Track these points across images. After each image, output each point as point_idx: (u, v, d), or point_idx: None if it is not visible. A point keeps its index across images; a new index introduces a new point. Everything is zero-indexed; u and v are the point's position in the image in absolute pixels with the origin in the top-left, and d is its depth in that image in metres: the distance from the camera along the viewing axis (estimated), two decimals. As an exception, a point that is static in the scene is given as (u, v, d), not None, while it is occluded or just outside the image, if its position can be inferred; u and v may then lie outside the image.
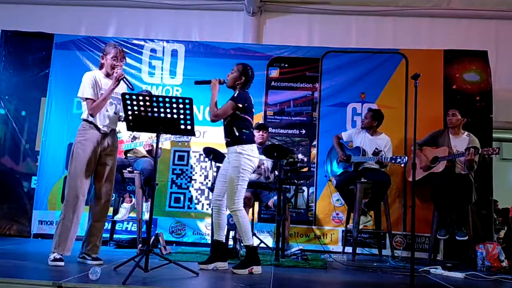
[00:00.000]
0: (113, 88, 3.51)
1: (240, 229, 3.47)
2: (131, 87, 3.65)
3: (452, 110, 4.73)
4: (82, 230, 3.64)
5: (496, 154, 4.29)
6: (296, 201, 5.29)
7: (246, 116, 3.56)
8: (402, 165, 4.57)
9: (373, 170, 4.73)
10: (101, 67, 3.66)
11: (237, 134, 3.50)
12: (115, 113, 3.62)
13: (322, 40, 5.99)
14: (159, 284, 2.84)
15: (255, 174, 4.65)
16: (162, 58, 5.61)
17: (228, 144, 3.57)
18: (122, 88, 3.64)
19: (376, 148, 4.71)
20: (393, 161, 4.55)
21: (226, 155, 3.69)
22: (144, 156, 4.64)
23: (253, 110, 3.68)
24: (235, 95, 3.56)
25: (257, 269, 3.38)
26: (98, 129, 3.50)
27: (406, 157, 4.52)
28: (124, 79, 3.55)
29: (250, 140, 3.55)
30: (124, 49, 5.42)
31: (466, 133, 4.68)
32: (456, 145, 4.59)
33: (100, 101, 3.47)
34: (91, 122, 3.50)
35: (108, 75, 3.61)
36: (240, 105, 3.50)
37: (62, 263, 3.28)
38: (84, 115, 3.53)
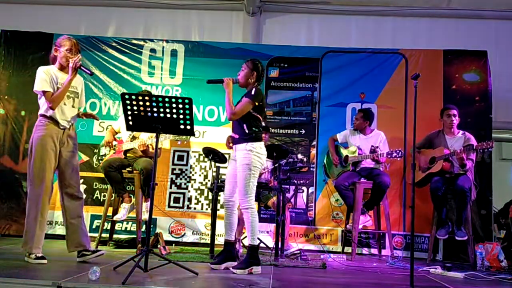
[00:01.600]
0: (71, 79, 3.47)
1: (248, 228, 3.45)
2: (89, 72, 3.61)
3: (452, 111, 4.68)
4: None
5: (491, 148, 4.27)
6: (296, 201, 5.29)
7: (258, 115, 3.54)
8: (399, 159, 4.57)
9: (371, 169, 4.74)
10: (53, 60, 3.59)
11: (247, 131, 3.49)
12: (73, 106, 3.58)
13: (321, 40, 5.99)
14: (159, 284, 2.83)
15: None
16: (162, 58, 5.61)
17: (236, 141, 3.56)
18: (80, 81, 3.63)
19: (372, 146, 4.72)
20: (389, 156, 4.56)
21: (231, 154, 3.68)
22: (143, 156, 4.63)
23: (265, 108, 3.66)
24: (252, 92, 3.53)
25: (256, 269, 3.38)
26: (57, 124, 3.46)
27: (402, 150, 4.51)
28: (81, 67, 3.50)
29: (259, 138, 3.52)
30: (124, 49, 5.57)
31: (461, 132, 4.68)
32: (452, 145, 4.59)
33: (60, 93, 3.44)
34: (50, 117, 3.45)
35: (62, 69, 3.56)
36: (257, 103, 3.49)
37: (45, 261, 3.27)
38: (42, 110, 3.48)
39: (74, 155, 3.59)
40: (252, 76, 3.59)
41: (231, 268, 3.42)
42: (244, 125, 3.50)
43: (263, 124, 3.64)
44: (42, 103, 3.49)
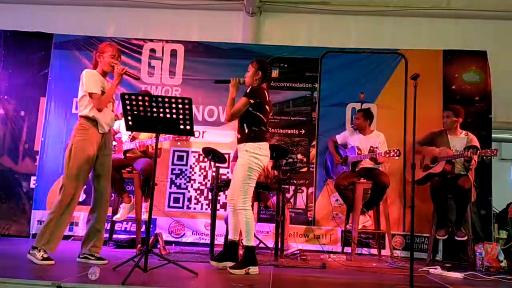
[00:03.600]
0: (117, 83, 3.54)
1: (243, 229, 3.42)
2: (136, 76, 3.71)
3: (446, 112, 4.73)
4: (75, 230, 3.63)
5: (494, 156, 4.29)
6: (295, 201, 5.29)
7: (257, 113, 3.48)
8: (397, 157, 4.57)
9: (371, 170, 4.74)
10: (95, 66, 3.62)
11: (246, 131, 3.46)
12: (112, 111, 3.62)
13: (321, 40, 5.98)
14: (159, 284, 2.84)
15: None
16: (162, 58, 5.61)
17: (238, 141, 3.55)
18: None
19: (371, 146, 4.73)
20: (387, 155, 4.56)
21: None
22: (143, 156, 4.63)
23: (268, 107, 3.56)
24: (248, 90, 3.51)
25: (253, 270, 3.37)
26: (97, 127, 3.47)
27: (399, 149, 4.51)
28: (127, 72, 3.57)
29: (259, 138, 3.46)
30: (123, 49, 5.56)
31: (464, 132, 4.68)
32: (455, 145, 4.59)
33: (108, 96, 3.47)
34: (92, 120, 3.46)
35: (104, 74, 3.59)
36: (252, 101, 3.45)
37: (52, 262, 3.27)
38: (85, 112, 3.47)
39: (110, 159, 3.64)
40: (257, 75, 3.56)
41: (228, 268, 3.40)
42: (244, 125, 3.48)
43: (266, 121, 3.55)
44: (85, 104, 3.48)
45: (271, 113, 3.73)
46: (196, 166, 5.41)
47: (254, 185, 3.48)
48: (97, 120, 3.47)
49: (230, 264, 3.46)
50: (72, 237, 4.99)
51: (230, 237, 3.61)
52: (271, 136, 5.32)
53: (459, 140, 4.63)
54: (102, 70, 3.58)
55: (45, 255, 3.30)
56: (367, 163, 4.78)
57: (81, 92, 3.49)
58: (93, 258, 3.48)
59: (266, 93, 3.56)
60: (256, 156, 3.42)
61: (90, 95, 3.45)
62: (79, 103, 3.54)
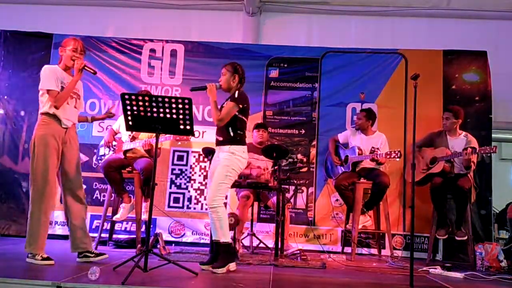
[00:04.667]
0: (77, 79, 3.50)
1: (220, 226, 3.40)
2: (93, 71, 3.63)
3: (445, 114, 4.73)
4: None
5: (493, 153, 4.29)
6: (296, 201, 5.29)
7: (243, 117, 3.56)
8: (397, 159, 4.57)
9: (371, 170, 4.74)
10: (60, 61, 3.59)
11: (231, 134, 3.50)
12: (74, 107, 3.59)
13: (321, 40, 5.99)
14: (158, 284, 2.84)
15: (255, 173, 4.65)
16: (162, 58, 5.61)
17: (219, 143, 3.56)
18: (80, 83, 3.65)
19: (373, 147, 4.73)
20: (388, 157, 4.56)
21: (213, 156, 3.67)
22: (143, 156, 4.63)
23: (249, 111, 3.66)
24: (236, 95, 3.54)
25: (233, 266, 3.41)
26: (59, 123, 3.45)
27: (401, 151, 4.51)
28: (86, 67, 3.52)
29: (243, 142, 3.55)
30: (123, 49, 5.57)
31: (464, 133, 4.68)
32: (453, 146, 4.59)
33: (65, 92, 3.44)
34: (52, 116, 3.43)
35: (66, 69, 3.56)
36: (241, 106, 3.51)
37: (52, 262, 3.27)
38: (44, 109, 3.46)
39: (77, 155, 3.59)
40: (234, 79, 3.60)
41: (210, 268, 3.39)
42: (230, 128, 3.51)
43: (247, 124, 3.64)
44: (44, 101, 3.47)
45: None
46: (196, 166, 5.41)
47: (230, 186, 3.54)
48: (57, 115, 3.44)
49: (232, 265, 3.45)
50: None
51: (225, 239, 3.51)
52: (271, 136, 5.34)
53: (458, 141, 4.63)
54: (65, 65, 3.56)
55: (44, 255, 3.29)
56: (367, 163, 4.77)
57: (40, 89, 3.49)
58: (92, 255, 3.47)
59: (248, 97, 3.63)
60: (240, 159, 3.48)
61: (48, 92, 3.44)
62: (39, 100, 3.52)
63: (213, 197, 3.41)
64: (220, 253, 3.42)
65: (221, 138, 3.56)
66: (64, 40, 3.62)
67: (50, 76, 3.44)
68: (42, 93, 3.50)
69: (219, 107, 3.59)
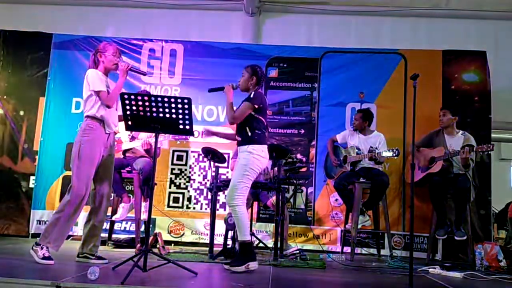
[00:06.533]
0: (124, 80, 3.54)
1: (238, 225, 3.44)
2: (143, 72, 3.75)
3: (442, 110, 4.73)
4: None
5: (490, 151, 4.28)
6: (295, 201, 5.29)
7: (260, 117, 3.58)
8: (396, 157, 4.57)
9: (371, 169, 4.74)
10: (97, 65, 3.59)
11: (249, 134, 3.53)
12: (116, 109, 3.61)
13: (321, 40, 6.00)
14: (158, 284, 2.83)
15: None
16: (161, 58, 5.61)
17: (239, 143, 3.60)
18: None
19: (371, 147, 4.73)
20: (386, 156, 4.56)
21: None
22: (143, 156, 4.63)
23: (268, 110, 3.69)
24: (251, 95, 3.60)
25: (253, 265, 3.38)
26: (104, 127, 3.47)
27: (399, 149, 4.51)
28: (133, 68, 3.60)
29: (262, 141, 3.57)
30: (123, 49, 5.55)
31: (461, 132, 4.68)
32: (451, 144, 4.59)
33: (116, 92, 3.46)
34: (99, 120, 3.45)
35: (106, 73, 3.59)
36: (256, 106, 3.54)
37: (52, 262, 3.27)
38: (92, 112, 3.45)
39: (113, 159, 3.64)
40: (251, 81, 3.65)
41: (226, 266, 3.41)
42: (247, 128, 3.54)
43: (266, 124, 3.66)
44: (91, 104, 3.46)
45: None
46: (195, 166, 5.41)
47: (250, 186, 3.53)
48: (104, 119, 3.47)
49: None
50: (72, 237, 4.98)
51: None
52: (270, 136, 5.34)
53: (456, 139, 4.63)
54: (105, 68, 3.58)
55: (46, 254, 3.30)
56: (367, 163, 4.77)
57: (87, 92, 3.47)
58: (94, 257, 3.48)
59: (265, 98, 3.66)
60: (258, 158, 3.50)
61: (98, 93, 3.44)
62: (85, 103, 3.51)
63: (231, 196, 3.44)
64: (239, 251, 3.45)
65: (240, 138, 3.60)
66: (100, 46, 3.64)
67: (98, 78, 3.47)
68: (88, 96, 3.47)
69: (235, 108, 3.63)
